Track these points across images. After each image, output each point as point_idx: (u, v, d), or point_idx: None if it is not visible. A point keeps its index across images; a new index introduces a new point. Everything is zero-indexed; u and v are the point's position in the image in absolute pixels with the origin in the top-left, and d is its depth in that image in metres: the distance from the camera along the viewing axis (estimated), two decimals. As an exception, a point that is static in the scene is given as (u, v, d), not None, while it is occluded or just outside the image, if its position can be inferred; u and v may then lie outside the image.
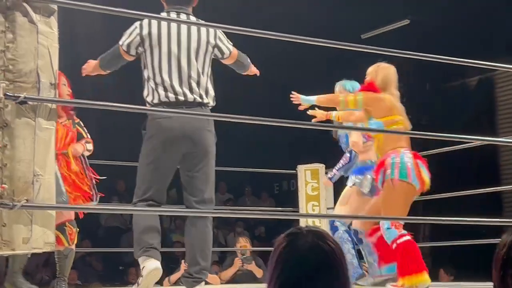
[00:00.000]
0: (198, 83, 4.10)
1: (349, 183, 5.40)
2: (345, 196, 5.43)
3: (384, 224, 4.52)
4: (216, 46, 4.20)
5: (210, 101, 4.17)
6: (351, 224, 5.37)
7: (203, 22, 3.95)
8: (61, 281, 4.82)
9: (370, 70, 4.80)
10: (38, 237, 2.88)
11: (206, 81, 4.16)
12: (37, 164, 2.88)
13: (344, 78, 5.52)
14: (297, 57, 9.02)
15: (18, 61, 2.87)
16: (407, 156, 4.43)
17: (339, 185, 7.87)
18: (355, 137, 5.23)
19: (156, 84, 4.09)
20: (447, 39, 9.78)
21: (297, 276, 1.67)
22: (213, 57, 4.27)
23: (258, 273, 7.41)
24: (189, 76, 4.09)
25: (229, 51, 4.31)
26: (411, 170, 4.39)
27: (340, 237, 5.34)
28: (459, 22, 9.93)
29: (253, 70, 4.65)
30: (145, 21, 4.17)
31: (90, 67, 4.43)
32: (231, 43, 4.34)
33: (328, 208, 7.50)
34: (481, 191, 6.99)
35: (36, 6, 2.93)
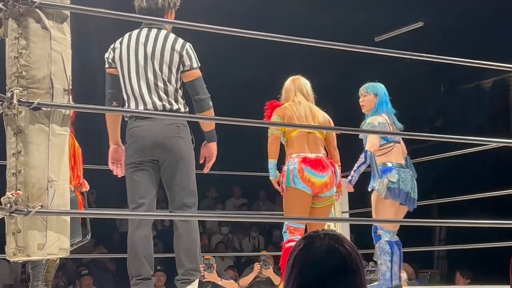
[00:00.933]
0: (165, 92, 4.13)
1: (369, 187, 5.42)
2: (373, 202, 5.44)
3: (283, 228, 4.86)
4: (180, 55, 4.18)
5: (181, 107, 4.17)
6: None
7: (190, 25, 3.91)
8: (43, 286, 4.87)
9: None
10: (53, 243, 2.88)
11: (175, 89, 4.16)
12: (51, 170, 2.88)
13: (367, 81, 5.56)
14: (306, 60, 9.01)
15: (32, 67, 2.87)
16: (293, 162, 4.75)
17: (354, 189, 7.86)
18: (371, 139, 5.30)
19: (127, 95, 4.18)
20: (461, 40, 9.75)
21: (314, 278, 1.67)
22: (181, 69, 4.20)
23: (276, 279, 7.38)
24: (156, 85, 4.12)
25: (190, 65, 4.19)
26: (294, 176, 4.70)
27: (380, 247, 5.36)
28: (473, 23, 9.89)
29: (209, 154, 4.35)
30: (119, 39, 4.26)
31: (112, 151, 4.37)
32: (199, 64, 4.24)
33: (343, 212, 7.49)
34: (497, 194, 6.95)
35: (49, 12, 2.93)
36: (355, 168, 5.34)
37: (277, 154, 4.84)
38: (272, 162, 4.84)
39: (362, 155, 5.31)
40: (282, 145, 4.95)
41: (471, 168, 9.71)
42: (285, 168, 4.78)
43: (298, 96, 4.95)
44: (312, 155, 4.76)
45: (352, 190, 5.45)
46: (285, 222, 4.83)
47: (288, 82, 5.06)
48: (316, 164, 4.72)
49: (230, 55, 9.27)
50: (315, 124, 4.85)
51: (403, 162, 5.47)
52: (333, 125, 5.03)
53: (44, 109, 2.88)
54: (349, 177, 5.37)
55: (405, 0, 9.48)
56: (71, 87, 3.03)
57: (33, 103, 2.81)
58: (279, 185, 4.89)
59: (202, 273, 6.02)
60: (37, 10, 2.89)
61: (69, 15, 3.03)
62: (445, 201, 6.76)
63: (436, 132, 10.31)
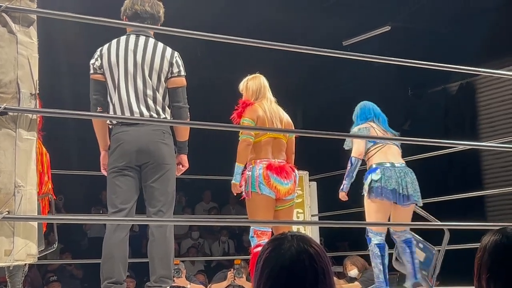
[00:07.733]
0: (154, 100, 4.15)
1: (341, 188, 5.47)
2: (364, 204, 5.47)
3: (250, 234, 4.87)
4: (170, 63, 4.20)
5: (167, 116, 4.19)
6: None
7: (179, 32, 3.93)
8: None
9: (241, 86, 5.04)
10: (20, 249, 2.85)
11: (163, 98, 4.17)
12: (18, 175, 2.85)
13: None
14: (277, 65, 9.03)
15: (-2, 72, 2.84)
16: (258, 168, 4.75)
17: (324, 193, 7.89)
18: (356, 145, 5.44)
19: (114, 103, 4.17)
20: (428, 44, 9.84)
21: (284, 280, 1.66)
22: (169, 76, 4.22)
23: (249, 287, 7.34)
24: (145, 94, 4.14)
25: (178, 71, 4.23)
26: (259, 182, 4.71)
27: (371, 250, 5.39)
28: (440, 27, 10.00)
29: (182, 165, 4.40)
30: (106, 45, 4.25)
31: (103, 157, 4.35)
32: (185, 74, 4.27)
33: (312, 215, 7.51)
34: (464, 196, 7.02)
35: (15, 16, 2.91)
36: (346, 175, 5.40)
37: (247, 160, 4.83)
38: (240, 167, 4.81)
39: (349, 162, 5.38)
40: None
41: (439, 170, 9.80)
42: (248, 173, 4.76)
43: (267, 93, 4.93)
44: (276, 161, 4.78)
45: (346, 198, 5.47)
46: (252, 227, 4.83)
47: (254, 80, 4.98)
48: (281, 171, 4.75)
49: (197, 58, 9.26)
50: (281, 126, 4.85)
51: (394, 161, 5.48)
52: (293, 126, 5.04)
53: (10, 113, 2.85)
54: (342, 186, 5.42)
55: (373, 5, 9.55)
56: (38, 92, 3.00)
57: (-1, 107, 2.79)
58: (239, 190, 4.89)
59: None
60: (3, 14, 2.86)
61: (35, 19, 3.00)
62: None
63: (404, 135, 10.40)
